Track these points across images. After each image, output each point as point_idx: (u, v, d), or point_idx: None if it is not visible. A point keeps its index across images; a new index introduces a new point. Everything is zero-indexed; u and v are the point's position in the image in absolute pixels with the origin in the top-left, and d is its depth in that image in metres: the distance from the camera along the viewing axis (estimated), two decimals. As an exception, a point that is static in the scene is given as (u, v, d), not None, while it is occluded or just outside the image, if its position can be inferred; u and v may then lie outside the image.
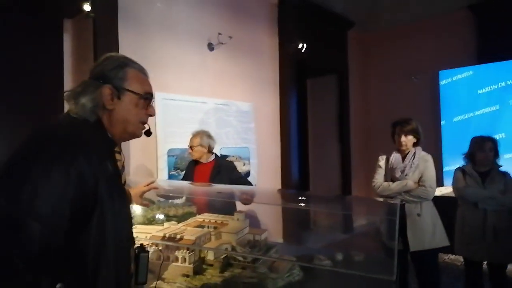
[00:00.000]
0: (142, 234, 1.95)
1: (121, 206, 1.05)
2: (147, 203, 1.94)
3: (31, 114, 3.20)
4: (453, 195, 3.18)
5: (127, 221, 1.11)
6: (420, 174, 2.84)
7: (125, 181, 1.22)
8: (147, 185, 1.78)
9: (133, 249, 1.18)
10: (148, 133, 1.22)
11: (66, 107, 1.14)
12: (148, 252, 1.23)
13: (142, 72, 1.19)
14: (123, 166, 1.20)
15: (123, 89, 1.12)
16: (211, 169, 3.16)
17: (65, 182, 0.91)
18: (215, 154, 3.31)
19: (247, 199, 2.74)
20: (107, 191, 0.98)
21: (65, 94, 1.12)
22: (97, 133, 1.08)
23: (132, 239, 1.17)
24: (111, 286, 0.99)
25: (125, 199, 1.12)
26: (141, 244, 1.24)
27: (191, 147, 3.21)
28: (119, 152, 1.18)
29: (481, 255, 2.93)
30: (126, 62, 1.15)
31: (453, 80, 5.80)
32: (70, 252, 0.93)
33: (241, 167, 4.46)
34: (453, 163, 5.54)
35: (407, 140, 2.88)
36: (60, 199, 0.90)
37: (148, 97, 1.17)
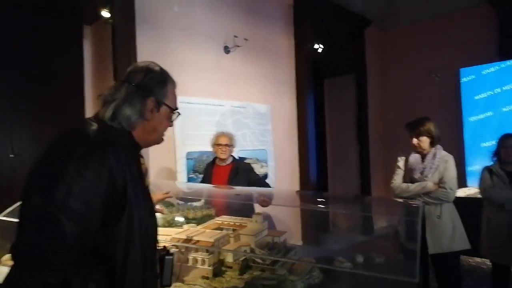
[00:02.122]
0: (162, 236, 1.96)
1: (146, 206, 1.09)
2: (161, 210, 2.09)
3: (52, 116, 3.31)
4: (477, 196, 3.09)
5: (153, 220, 1.15)
6: (440, 175, 2.76)
7: (148, 185, 1.24)
8: (164, 193, 1.88)
9: (158, 251, 1.22)
10: (162, 140, 1.30)
11: (88, 109, 1.17)
12: (172, 255, 1.26)
13: (175, 87, 1.26)
14: (146, 170, 1.22)
15: (163, 103, 1.19)
16: (229, 171, 3.16)
17: (97, 180, 0.95)
18: (233, 156, 3.32)
19: (265, 201, 2.73)
20: (134, 191, 1.03)
21: (103, 96, 1.15)
22: (125, 137, 1.12)
23: (157, 239, 1.20)
24: (138, 283, 1.03)
25: (150, 200, 1.16)
26: (164, 247, 1.26)
27: (219, 145, 3.17)
28: (142, 156, 1.20)
29: (507, 259, 2.84)
30: (168, 78, 1.23)
31: (475, 78, 5.65)
32: (100, 250, 0.98)
33: (258, 169, 4.45)
34: (476, 162, 5.41)
35: (420, 141, 2.80)
36: (92, 197, 0.94)
37: (177, 113, 1.26)
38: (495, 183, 2.89)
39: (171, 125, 1.27)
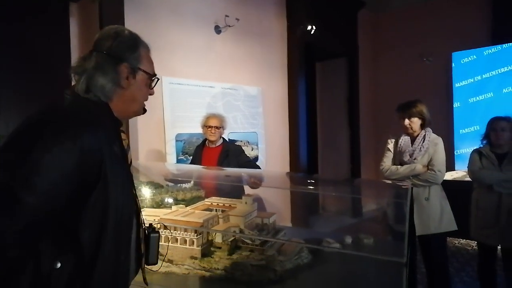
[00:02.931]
0: (150, 217, 1.96)
1: (125, 185, 1.04)
2: None
3: (38, 98, 3.22)
4: (464, 179, 3.11)
5: (131, 199, 1.10)
6: (430, 157, 2.78)
7: (131, 161, 1.20)
8: None
9: (142, 229, 1.19)
10: (145, 110, 1.23)
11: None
12: (158, 233, 1.23)
13: (149, 51, 1.19)
14: (128, 145, 1.18)
15: (138, 69, 1.12)
16: (219, 153, 3.14)
17: (67, 158, 0.89)
18: (223, 138, 3.30)
19: (255, 183, 2.72)
20: (111, 170, 0.97)
21: (72, 69, 1.09)
22: (104, 112, 1.07)
23: (138, 218, 1.16)
24: (110, 265, 0.98)
25: (130, 179, 1.11)
26: (150, 225, 1.24)
27: (209, 127, 3.13)
28: (123, 131, 1.16)
29: (494, 240, 2.88)
30: (139, 42, 1.15)
31: (466, 62, 5.66)
32: (70, 229, 0.93)
33: (249, 152, 4.44)
34: (465, 146, 5.47)
35: (412, 123, 2.82)
36: (60, 175, 0.89)
37: (155, 78, 1.20)
38: (484, 165, 2.92)
39: (151, 93, 1.21)
